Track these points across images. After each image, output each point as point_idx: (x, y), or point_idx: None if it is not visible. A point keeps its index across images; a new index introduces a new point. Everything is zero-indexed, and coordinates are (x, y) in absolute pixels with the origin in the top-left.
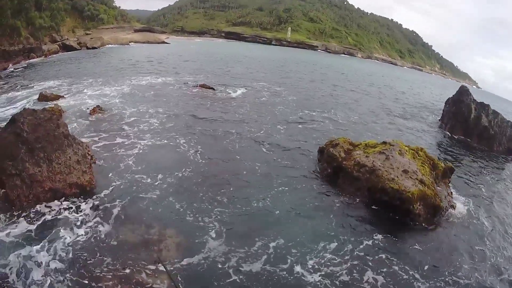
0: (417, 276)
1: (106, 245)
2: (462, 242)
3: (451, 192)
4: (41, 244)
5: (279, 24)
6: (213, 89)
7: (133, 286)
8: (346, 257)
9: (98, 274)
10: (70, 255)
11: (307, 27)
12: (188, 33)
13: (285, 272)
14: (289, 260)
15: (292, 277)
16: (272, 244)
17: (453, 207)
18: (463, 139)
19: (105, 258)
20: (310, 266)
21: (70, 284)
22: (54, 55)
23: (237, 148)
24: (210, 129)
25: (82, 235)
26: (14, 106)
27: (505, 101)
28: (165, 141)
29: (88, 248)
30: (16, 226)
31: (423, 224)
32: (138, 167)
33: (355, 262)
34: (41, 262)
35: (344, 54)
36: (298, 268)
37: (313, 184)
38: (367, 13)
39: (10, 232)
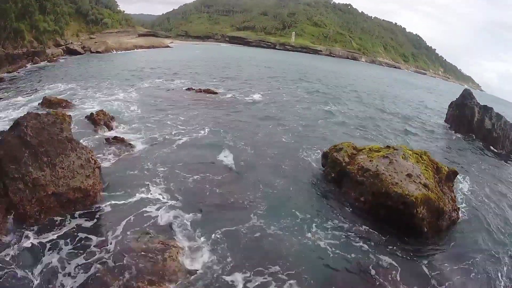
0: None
1: (109, 252)
2: (467, 244)
3: (455, 195)
4: (46, 253)
5: (283, 28)
6: (217, 93)
7: None
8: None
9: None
10: (73, 264)
11: (311, 31)
12: (192, 38)
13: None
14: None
15: None
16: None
17: (456, 210)
18: (467, 142)
19: (108, 267)
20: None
21: None
22: (59, 60)
23: (248, 148)
24: (217, 131)
25: (84, 242)
26: (18, 110)
27: (510, 104)
28: (172, 146)
29: (89, 254)
30: (20, 237)
31: (427, 229)
32: (143, 171)
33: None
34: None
35: (348, 58)
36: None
37: (317, 189)
38: (371, 17)
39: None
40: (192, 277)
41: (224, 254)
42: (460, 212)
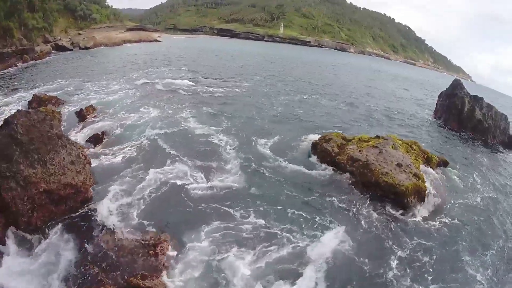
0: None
1: (101, 248)
2: (455, 231)
3: (446, 184)
4: (38, 251)
5: (271, 20)
6: (207, 85)
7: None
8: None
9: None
10: (65, 261)
11: (300, 22)
12: (181, 31)
13: None
14: None
15: None
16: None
17: (448, 198)
18: (457, 132)
19: (101, 263)
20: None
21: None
22: (49, 56)
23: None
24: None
25: (76, 238)
26: (8, 108)
27: (501, 95)
28: (162, 139)
29: (81, 251)
30: (12, 236)
31: (417, 217)
32: (134, 167)
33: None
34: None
35: (337, 49)
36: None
37: (307, 180)
38: (360, 8)
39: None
40: (184, 269)
41: (215, 245)
42: (452, 199)
